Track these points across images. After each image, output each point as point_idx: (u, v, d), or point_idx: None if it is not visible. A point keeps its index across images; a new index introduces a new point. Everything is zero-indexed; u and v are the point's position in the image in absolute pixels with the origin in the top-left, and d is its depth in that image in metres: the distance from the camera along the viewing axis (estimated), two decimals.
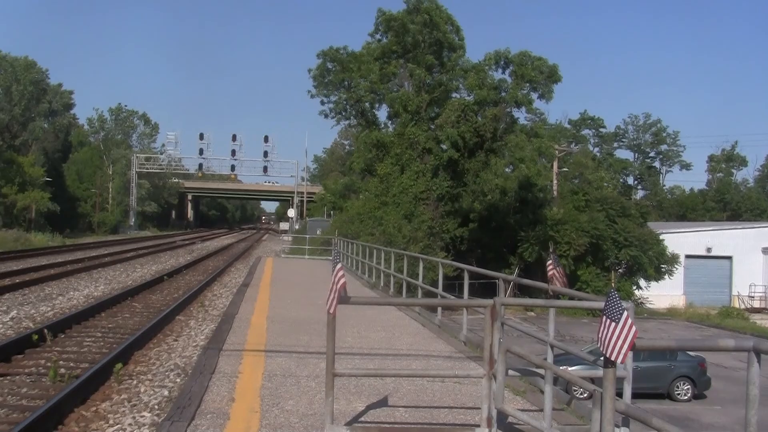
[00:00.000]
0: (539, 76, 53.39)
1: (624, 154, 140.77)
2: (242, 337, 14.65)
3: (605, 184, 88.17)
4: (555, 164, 71.24)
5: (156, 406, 10.77)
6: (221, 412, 8.88)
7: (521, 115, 59.46)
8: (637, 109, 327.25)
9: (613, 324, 5.45)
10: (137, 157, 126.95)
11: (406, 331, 16.36)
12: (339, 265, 7.50)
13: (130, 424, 9.92)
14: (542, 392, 10.02)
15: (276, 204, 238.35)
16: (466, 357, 13.34)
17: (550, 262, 10.96)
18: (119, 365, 13.16)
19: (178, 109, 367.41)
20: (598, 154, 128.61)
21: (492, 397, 7.63)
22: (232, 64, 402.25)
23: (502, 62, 54.82)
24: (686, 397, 30.71)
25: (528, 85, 54.23)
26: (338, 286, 7.35)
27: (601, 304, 7.11)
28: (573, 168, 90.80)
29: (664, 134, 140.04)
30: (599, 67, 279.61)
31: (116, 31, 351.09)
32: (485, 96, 52.87)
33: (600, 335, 5.67)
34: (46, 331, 16.34)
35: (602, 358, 5.67)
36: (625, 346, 5.38)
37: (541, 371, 8.99)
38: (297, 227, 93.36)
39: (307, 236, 55.57)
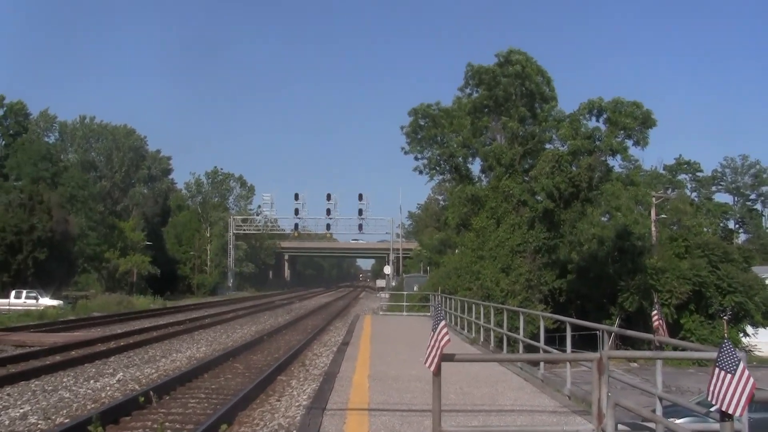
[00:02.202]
0: (633, 122, 52.65)
1: (723, 197, 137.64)
2: (345, 396, 14.62)
3: (705, 229, 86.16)
4: (653, 211, 69.98)
5: None
6: None
7: (616, 163, 58.64)
8: (733, 151, 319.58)
9: (729, 375, 5.29)
10: (234, 219, 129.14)
11: (509, 387, 16.15)
12: (443, 323, 7.47)
13: None
14: None
15: (372, 261, 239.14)
16: (571, 411, 13.08)
17: (655, 312, 10.74)
18: (224, 426, 13.29)
19: (273, 170, 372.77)
20: (696, 199, 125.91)
21: None
22: (326, 124, 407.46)
23: (595, 111, 54.27)
24: None
25: (622, 132, 53.51)
26: (442, 343, 7.31)
27: (712, 355, 6.91)
28: (671, 214, 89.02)
29: (765, 175, 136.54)
30: (693, 111, 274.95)
31: (209, 97, 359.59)
32: (579, 146, 52.33)
33: (712, 387, 5.51)
34: (151, 393, 16.63)
35: (715, 411, 5.50)
36: (743, 399, 5.21)
37: (651, 425, 8.76)
38: (394, 284, 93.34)
39: (405, 293, 55.50)
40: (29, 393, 17.77)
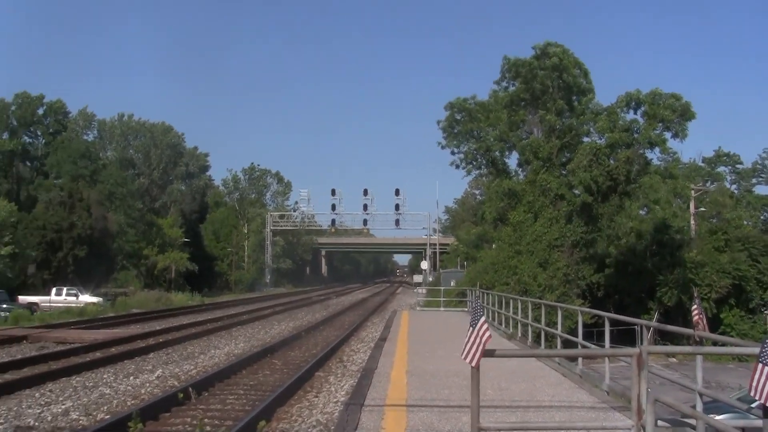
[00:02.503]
0: (672, 114, 52.15)
1: (764, 190, 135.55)
2: (383, 391, 14.62)
3: (745, 222, 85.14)
4: (692, 204, 69.31)
5: None
6: None
7: (654, 156, 58.09)
8: None
9: None
10: (271, 215, 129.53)
11: (547, 382, 16.07)
12: (483, 319, 7.45)
13: None
14: None
15: (409, 256, 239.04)
16: (610, 407, 12.99)
17: (695, 306, 10.62)
18: (263, 422, 13.34)
19: (310, 167, 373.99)
20: (735, 192, 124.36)
21: None
22: (363, 119, 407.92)
23: (633, 103, 53.84)
24: None
25: (660, 124, 53.01)
26: (484, 339, 7.29)
27: (754, 350, 6.82)
28: (710, 207, 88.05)
29: None
30: (732, 102, 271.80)
31: (243, 96, 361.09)
32: (617, 139, 51.93)
33: (755, 383, 5.45)
34: (190, 389, 16.75)
35: (757, 407, 5.43)
36: None
37: (691, 421, 8.68)
38: (431, 279, 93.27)
39: (442, 288, 55.44)
40: (70, 389, 17.97)
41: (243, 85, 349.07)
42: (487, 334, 7.38)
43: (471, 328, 7.48)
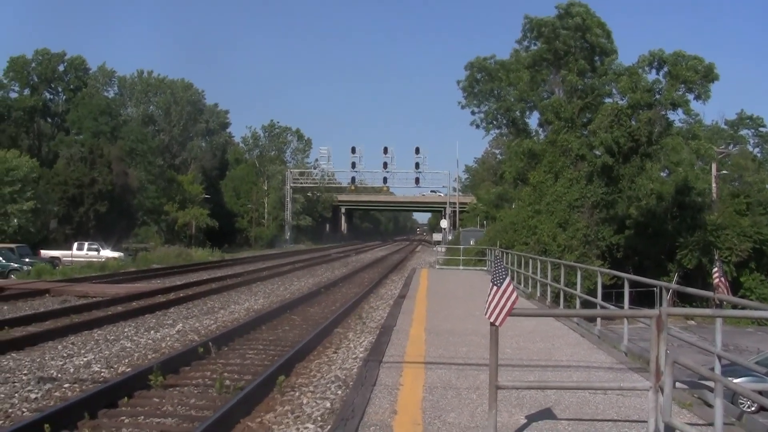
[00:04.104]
0: (695, 75, 51.65)
1: None
2: (401, 349, 14.70)
3: (767, 186, 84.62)
4: (714, 167, 68.85)
5: (319, 418, 10.97)
6: (384, 425, 8.94)
7: (676, 117, 57.66)
8: None
9: None
10: (291, 172, 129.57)
11: (565, 342, 16.11)
12: (508, 279, 7.48)
13: None
14: (710, 406, 9.72)
15: (428, 215, 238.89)
16: (627, 368, 13.01)
17: (716, 269, 10.62)
18: (282, 377, 13.45)
19: (331, 124, 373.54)
20: (758, 155, 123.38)
21: (659, 411, 7.43)
22: (383, 77, 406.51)
23: (656, 63, 53.35)
24: None
25: (683, 85, 52.53)
26: (511, 301, 7.33)
27: None
28: (732, 170, 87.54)
29: None
30: (756, 64, 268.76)
31: (264, 51, 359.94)
32: (639, 99, 51.51)
33: None
34: (210, 344, 16.88)
35: None
36: None
37: (710, 383, 8.70)
38: (450, 238, 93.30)
39: (461, 247, 55.46)
40: (92, 342, 18.16)
41: (265, 41, 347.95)
42: (514, 295, 7.42)
43: (495, 287, 7.50)
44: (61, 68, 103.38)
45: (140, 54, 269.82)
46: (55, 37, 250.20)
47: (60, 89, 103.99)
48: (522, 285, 30.91)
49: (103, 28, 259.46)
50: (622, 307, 15.82)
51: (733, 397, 17.52)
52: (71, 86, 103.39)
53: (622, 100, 53.61)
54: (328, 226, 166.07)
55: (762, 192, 66.54)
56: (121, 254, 58.50)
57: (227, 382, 13.27)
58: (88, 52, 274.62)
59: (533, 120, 61.38)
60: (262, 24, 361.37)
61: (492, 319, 7.44)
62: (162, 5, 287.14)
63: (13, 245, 50.73)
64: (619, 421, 9.25)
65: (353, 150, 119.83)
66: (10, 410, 11.53)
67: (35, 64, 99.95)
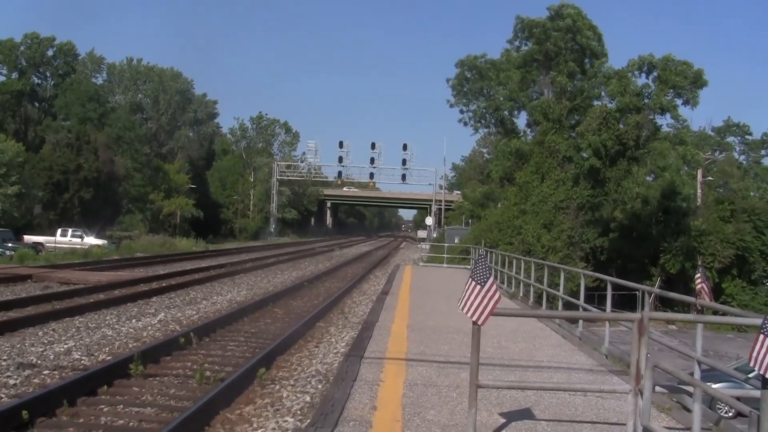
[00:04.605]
0: (684, 81, 51.85)
1: None
2: (383, 345, 14.72)
3: (752, 193, 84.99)
4: (700, 173, 69.14)
5: (298, 412, 10.96)
6: (364, 420, 8.94)
7: (664, 122, 57.88)
8: None
9: None
10: (278, 165, 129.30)
11: (546, 343, 16.16)
12: (491, 279, 7.48)
13: (273, 429, 10.13)
14: (688, 410, 9.76)
15: (414, 212, 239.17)
16: (608, 371, 13.07)
17: (699, 275, 10.66)
18: (262, 370, 13.45)
19: (319, 118, 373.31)
20: (744, 162, 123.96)
21: (638, 414, 7.46)
22: (371, 73, 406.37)
23: (646, 68, 53.53)
24: None
25: (672, 90, 52.72)
26: (493, 301, 7.34)
27: (754, 321, 6.85)
28: (718, 176, 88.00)
29: None
30: (745, 72, 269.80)
31: (254, 44, 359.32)
32: (628, 102, 51.70)
33: (755, 353, 5.48)
34: (192, 334, 16.86)
35: (755, 377, 5.46)
36: None
37: (689, 388, 8.74)
38: (435, 235, 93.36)
39: (446, 244, 55.51)
40: (73, 329, 18.10)
41: (254, 34, 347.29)
42: (497, 295, 7.43)
43: (477, 285, 7.50)
44: (50, 53, 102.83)
45: (130, 42, 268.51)
46: (45, 22, 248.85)
47: (48, 74, 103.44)
48: (505, 284, 30.97)
49: (94, 15, 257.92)
50: (605, 310, 15.89)
51: (711, 402, 17.61)
52: (60, 71, 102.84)
53: (611, 103, 53.79)
54: (313, 219, 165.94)
55: (746, 199, 66.83)
56: (105, 242, 58.31)
57: (208, 374, 13.25)
58: (78, 37, 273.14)
59: (521, 120, 61.61)
60: (254, 16, 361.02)
61: (474, 318, 7.45)
62: None
63: None
64: (598, 423, 9.28)
65: (341, 144, 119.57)
66: None
67: (24, 47, 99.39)
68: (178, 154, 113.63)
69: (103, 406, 11.14)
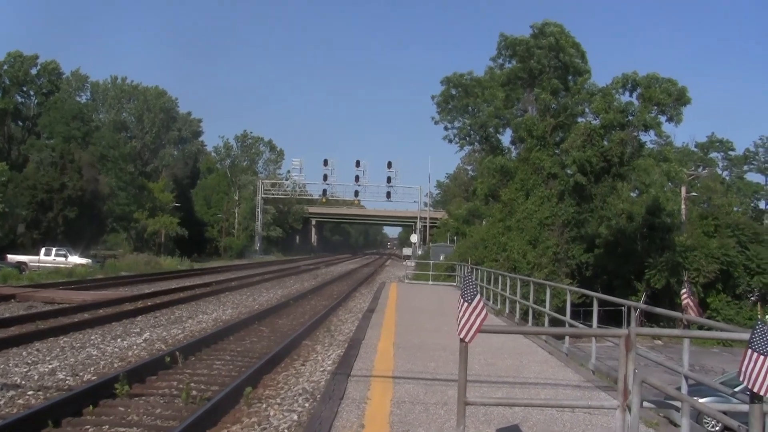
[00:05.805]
0: (668, 98, 52.07)
1: (755, 177, 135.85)
2: (369, 362, 14.68)
3: (735, 208, 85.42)
4: (683, 189, 69.44)
5: (286, 430, 10.92)
6: None
7: (648, 139, 58.15)
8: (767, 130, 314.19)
9: (762, 357, 5.26)
10: (263, 183, 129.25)
11: (533, 359, 16.15)
12: (478, 297, 7.48)
13: None
14: (676, 425, 9.77)
15: (399, 229, 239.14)
16: (595, 387, 13.08)
17: (684, 290, 10.69)
18: (249, 389, 13.39)
19: (303, 136, 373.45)
20: (727, 178, 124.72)
21: (626, 429, 7.45)
22: (356, 91, 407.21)
23: (630, 85, 53.75)
24: None
25: (656, 108, 52.94)
26: (480, 318, 7.33)
27: (740, 335, 6.87)
28: (701, 192, 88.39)
29: None
30: (727, 89, 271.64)
31: (239, 63, 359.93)
32: (612, 119, 51.87)
33: (744, 368, 5.48)
34: (177, 353, 16.78)
35: (741, 390, 5.46)
36: None
37: (676, 403, 8.73)
38: (420, 253, 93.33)
39: (431, 262, 55.53)
40: (58, 349, 17.99)
41: (238, 52, 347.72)
42: (484, 312, 7.42)
43: (465, 303, 7.49)
44: (33, 72, 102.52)
45: (114, 61, 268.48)
46: (30, 41, 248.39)
47: (32, 93, 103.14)
48: (491, 301, 30.99)
49: (79, 33, 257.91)
50: (591, 325, 15.90)
51: (698, 416, 17.62)
52: (43, 90, 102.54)
53: (595, 120, 53.97)
54: (298, 237, 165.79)
55: (730, 215, 67.17)
56: (89, 261, 57.98)
57: (194, 393, 13.18)
58: (62, 57, 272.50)
59: (506, 137, 61.79)
60: (238, 35, 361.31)
61: (462, 335, 7.44)
62: (138, 13, 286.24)
63: None
64: None
65: (325, 162, 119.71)
66: None
67: (7, 66, 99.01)
68: (163, 173, 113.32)
69: (88, 427, 11.07)
